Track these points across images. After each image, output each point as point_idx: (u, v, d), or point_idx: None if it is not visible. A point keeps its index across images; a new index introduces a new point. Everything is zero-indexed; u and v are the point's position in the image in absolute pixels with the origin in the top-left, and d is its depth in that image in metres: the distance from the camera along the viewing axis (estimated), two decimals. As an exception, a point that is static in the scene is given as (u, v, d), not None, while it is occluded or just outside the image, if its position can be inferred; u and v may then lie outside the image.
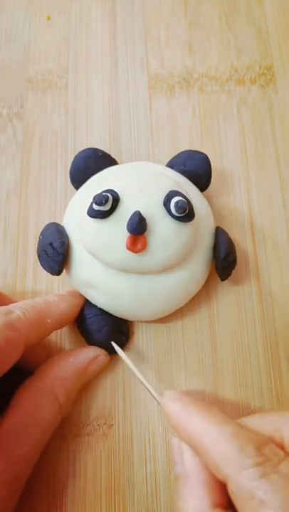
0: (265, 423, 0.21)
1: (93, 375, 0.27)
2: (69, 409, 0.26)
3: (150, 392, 0.24)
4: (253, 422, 0.21)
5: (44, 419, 0.24)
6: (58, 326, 0.26)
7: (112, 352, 0.27)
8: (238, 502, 0.18)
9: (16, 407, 0.23)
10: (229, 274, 0.28)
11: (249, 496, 0.18)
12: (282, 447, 0.19)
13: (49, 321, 0.25)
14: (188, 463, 0.21)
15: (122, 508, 0.26)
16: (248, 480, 0.18)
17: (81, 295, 0.28)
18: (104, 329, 0.27)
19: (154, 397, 0.24)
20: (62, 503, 0.26)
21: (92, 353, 0.27)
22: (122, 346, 0.28)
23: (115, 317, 0.28)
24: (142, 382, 0.25)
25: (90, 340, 0.28)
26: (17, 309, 0.24)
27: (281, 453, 0.19)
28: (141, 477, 0.26)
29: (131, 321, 0.29)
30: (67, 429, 0.27)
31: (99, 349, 0.27)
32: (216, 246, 0.28)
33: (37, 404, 0.24)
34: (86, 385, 0.28)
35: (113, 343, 0.27)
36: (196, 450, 0.20)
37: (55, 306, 0.26)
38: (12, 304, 0.25)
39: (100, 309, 0.28)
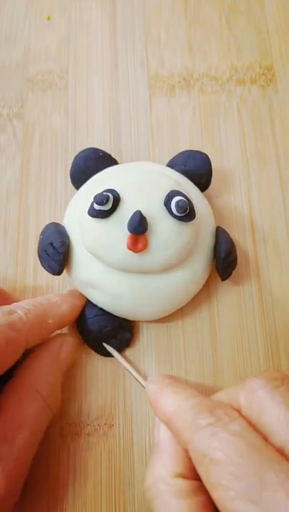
0: (227, 395, 0.21)
1: (69, 360, 0.27)
2: (58, 401, 0.25)
3: (135, 377, 0.26)
4: (219, 395, 0.22)
5: (30, 416, 0.23)
6: (59, 326, 0.26)
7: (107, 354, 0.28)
8: (196, 466, 0.19)
9: (1, 409, 0.23)
10: (230, 274, 0.28)
11: (202, 456, 0.18)
12: (239, 413, 0.20)
13: (50, 321, 0.25)
14: (161, 436, 0.22)
15: (122, 508, 0.26)
16: (201, 440, 0.18)
17: (82, 295, 0.28)
18: (106, 330, 0.27)
19: (140, 382, 0.26)
20: (62, 503, 0.26)
21: (60, 339, 0.27)
22: (127, 343, 0.28)
23: (116, 317, 0.28)
24: (128, 370, 0.26)
25: (89, 340, 0.28)
26: (19, 309, 0.24)
27: (235, 414, 0.19)
28: (141, 477, 0.26)
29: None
30: (67, 429, 0.27)
31: (64, 334, 0.27)
32: (217, 246, 0.28)
33: (20, 403, 0.23)
34: (86, 385, 0.28)
35: (105, 344, 0.28)
36: (168, 425, 0.21)
37: (57, 306, 0.26)
38: (14, 304, 0.25)
39: (101, 309, 0.28)
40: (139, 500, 0.26)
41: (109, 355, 0.28)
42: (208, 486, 0.18)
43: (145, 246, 0.24)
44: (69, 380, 0.28)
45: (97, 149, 0.30)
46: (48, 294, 0.30)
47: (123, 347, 0.28)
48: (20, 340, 0.23)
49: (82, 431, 0.27)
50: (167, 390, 0.23)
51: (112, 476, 0.27)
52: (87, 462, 0.27)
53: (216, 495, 0.17)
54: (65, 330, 0.29)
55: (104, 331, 0.27)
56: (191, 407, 0.20)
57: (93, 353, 0.29)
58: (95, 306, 0.28)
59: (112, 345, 0.28)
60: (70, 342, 0.27)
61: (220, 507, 0.17)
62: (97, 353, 0.28)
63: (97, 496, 0.26)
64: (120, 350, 0.28)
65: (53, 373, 0.25)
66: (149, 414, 0.28)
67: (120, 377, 0.28)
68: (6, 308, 0.24)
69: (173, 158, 0.31)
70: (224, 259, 0.27)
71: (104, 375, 0.28)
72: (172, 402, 0.22)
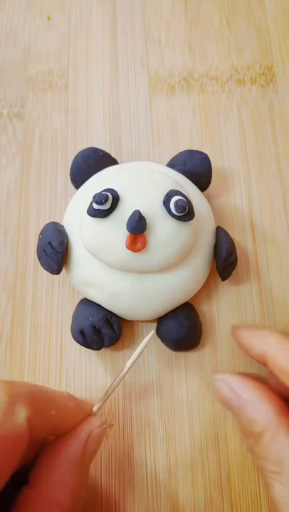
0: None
1: (95, 454, 0.22)
2: (84, 503, 0.21)
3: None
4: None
5: None
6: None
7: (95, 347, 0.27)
8: None
9: None
10: (230, 274, 0.28)
11: None
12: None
13: (53, 413, 0.20)
14: (242, 391, 0.22)
15: (123, 508, 0.26)
16: None
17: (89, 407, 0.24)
18: (93, 318, 0.27)
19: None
20: (62, 503, 0.26)
21: (84, 433, 0.22)
22: (110, 340, 0.27)
23: (109, 313, 0.27)
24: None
25: (75, 325, 0.27)
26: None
27: None
28: (141, 477, 0.26)
29: (126, 319, 0.29)
30: (67, 428, 0.27)
31: (91, 421, 0.22)
32: (217, 246, 0.28)
33: None
34: (86, 385, 0.28)
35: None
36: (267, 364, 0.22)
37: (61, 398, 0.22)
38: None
39: (98, 304, 0.27)
40: (139, 499, 0.26)
41: (97, 348, 0.27)
42: None
43: (144, 245, 0.24)
44: (69, 380, 0.28)
45: (97, 149, 0.30)
46: (47, 293, 0.30)
47: (106, 344, 0.27)
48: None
49: (82, 431, 0.27)
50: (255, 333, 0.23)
51: (112, 476, 0.27)
52: (86, 462, 0.27)
53: None
54: (64, 328, 0.29)
55: (91, 318, 0.27)
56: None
57: (93, 352, 0.29)
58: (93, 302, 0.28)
59: (96, 339, 0.27)
60: (102, 434, 0.22)
61: None
62: (81, 344, 0.27)
63: (97, 496, 0.26)
64: (101, 347, 0.27)
65: (76, 480, 0.20)
66: (149, 414, 0.28)
67: (120, 377, 0.28)
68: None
69: (173, 158, 0.31)
70: (225, 260, 0.27)
71: (105, 375, 0.28)
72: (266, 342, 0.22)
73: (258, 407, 0.21)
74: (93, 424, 0.22)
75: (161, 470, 0.27)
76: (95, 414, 0.23)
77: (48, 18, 0.38)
